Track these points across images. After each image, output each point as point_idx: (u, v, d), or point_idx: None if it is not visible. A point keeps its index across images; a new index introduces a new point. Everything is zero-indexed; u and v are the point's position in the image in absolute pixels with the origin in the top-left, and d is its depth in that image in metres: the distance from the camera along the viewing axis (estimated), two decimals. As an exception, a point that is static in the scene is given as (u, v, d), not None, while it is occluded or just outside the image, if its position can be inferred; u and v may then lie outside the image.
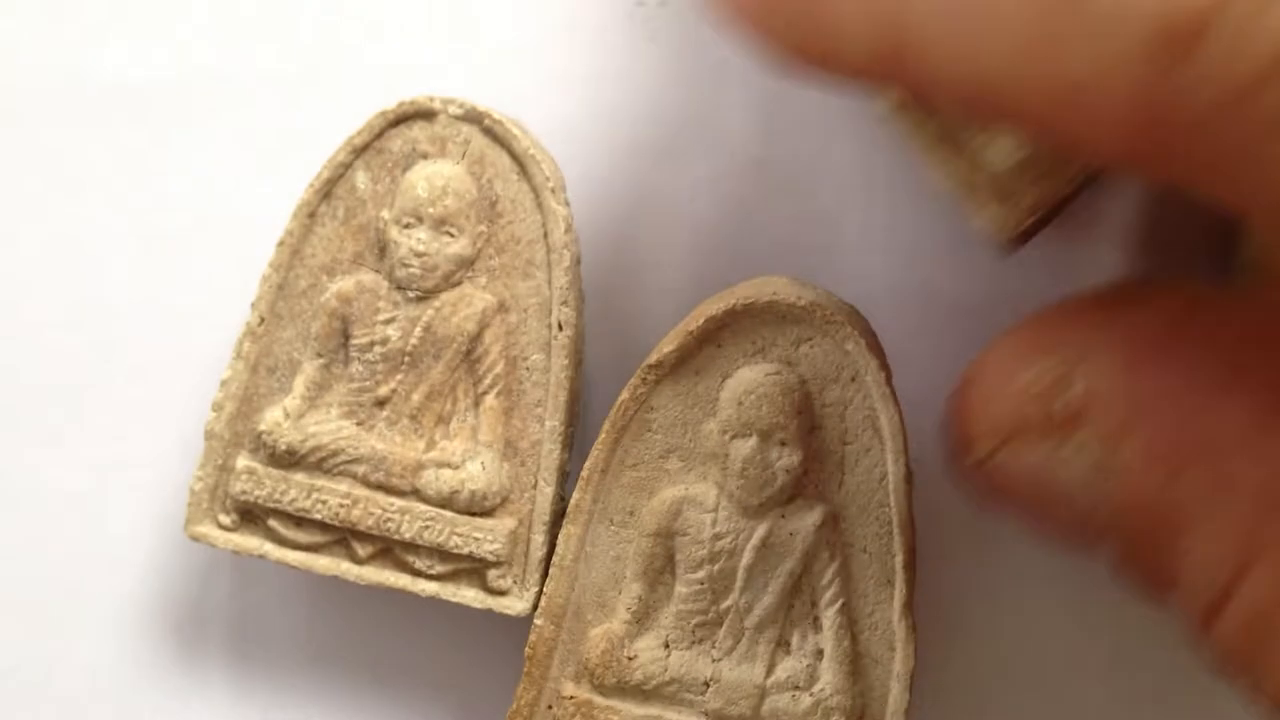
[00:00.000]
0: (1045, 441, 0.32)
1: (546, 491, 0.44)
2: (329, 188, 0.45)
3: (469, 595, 0.45)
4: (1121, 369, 0.31)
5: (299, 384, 0.45)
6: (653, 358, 0.43)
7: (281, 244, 0.45)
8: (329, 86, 0.49)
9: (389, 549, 0.45)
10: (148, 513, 0.48)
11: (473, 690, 0.48)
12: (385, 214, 0.45)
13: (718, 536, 0.43)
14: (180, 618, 0.49)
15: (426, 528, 0.44)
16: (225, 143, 0.49)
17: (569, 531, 0.44)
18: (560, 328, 0.44)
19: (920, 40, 0.27)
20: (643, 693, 0.43)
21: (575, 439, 0.46)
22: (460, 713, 0.48)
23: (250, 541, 0.45)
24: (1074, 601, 0.46)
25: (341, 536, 0.45)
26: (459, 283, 0.45)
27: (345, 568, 0.45)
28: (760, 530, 0.43)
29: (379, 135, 0.45)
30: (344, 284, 0.45)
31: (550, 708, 0.43)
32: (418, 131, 0.45)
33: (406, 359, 0.45)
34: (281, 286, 0.45)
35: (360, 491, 0.45)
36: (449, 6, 0.48)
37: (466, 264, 0.45)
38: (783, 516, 0.43)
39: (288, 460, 0.45)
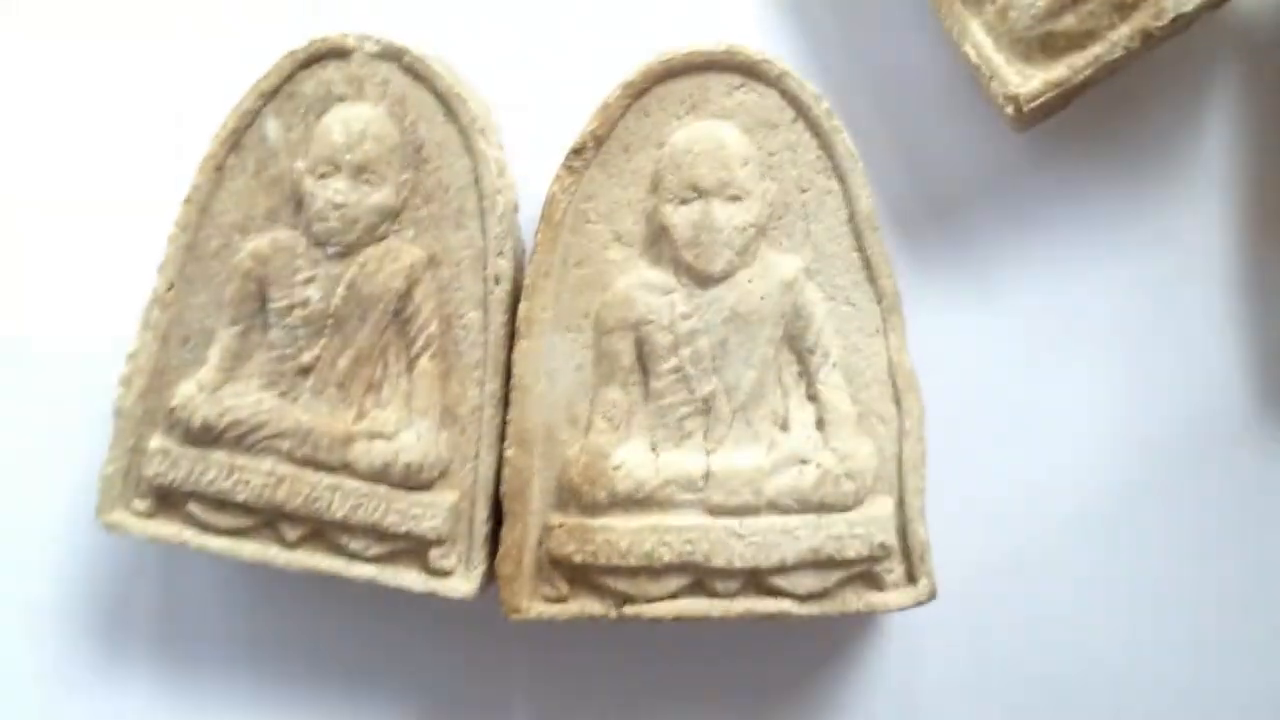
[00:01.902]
0: None
1: (489, 461, 0.41)
2: (236, 138, 0.41)
3: (409, 578, 0.41)
4: None
5: (214, 354, 0.41)
6: (575, 143, 0.40)
7: (188, 201, 0.41)
8: (248, 28, 0.45)
9: (320, 530, 0.41)
10: (59, 502, 0.44)
11: (421, 680, 0.44)
12: (300, 164, 0.41)
13: (683, 316, 0.39)
14: (100, 616, 0.45)
15: (359, 505, 0.41)
16: (144, 96, 0.45)
17: (523, 348, 0.40)
18: (497, 281, 0.41)
19: None
20: (635, 502, 0.39)
21: (519, 403, 0.42)
22: (408, 705, 0.44)
23: (168, 528, 0.41)
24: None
25: (268, 519, 0.41)
26: (384, 236, 0.41)
27: (273, 553, 0.41)
28: (728, 300, 0.39)
29: (289, 78, 0.41)
30: (258, 242, 0.41)
31: (540, 543, 0.40)
32: (332, 72, 0.41)
33: (330, 321, 0.41)
34: (190, 248, 0.41)
35: (285, 469, 0.41)
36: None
37: (391, 215, 0.41)
38: (749, 281, 0.39)
39: (204, 437, 0.41)
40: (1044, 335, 0.43)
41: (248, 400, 0.41)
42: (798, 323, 0.40)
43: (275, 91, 0.41)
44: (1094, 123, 0.43)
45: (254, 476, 0.41)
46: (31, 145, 0.46)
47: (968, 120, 0.43)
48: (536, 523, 0.40)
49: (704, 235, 0.39)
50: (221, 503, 0.41)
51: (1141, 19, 0.39)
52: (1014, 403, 0.43)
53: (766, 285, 0.40)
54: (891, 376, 0.40)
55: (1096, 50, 0.40)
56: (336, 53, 0.41)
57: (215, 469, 0.41)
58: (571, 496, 0.40)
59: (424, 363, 0.41)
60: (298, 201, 0.41)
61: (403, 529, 0.41)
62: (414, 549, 0.41)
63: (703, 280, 0.39)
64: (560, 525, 0.40)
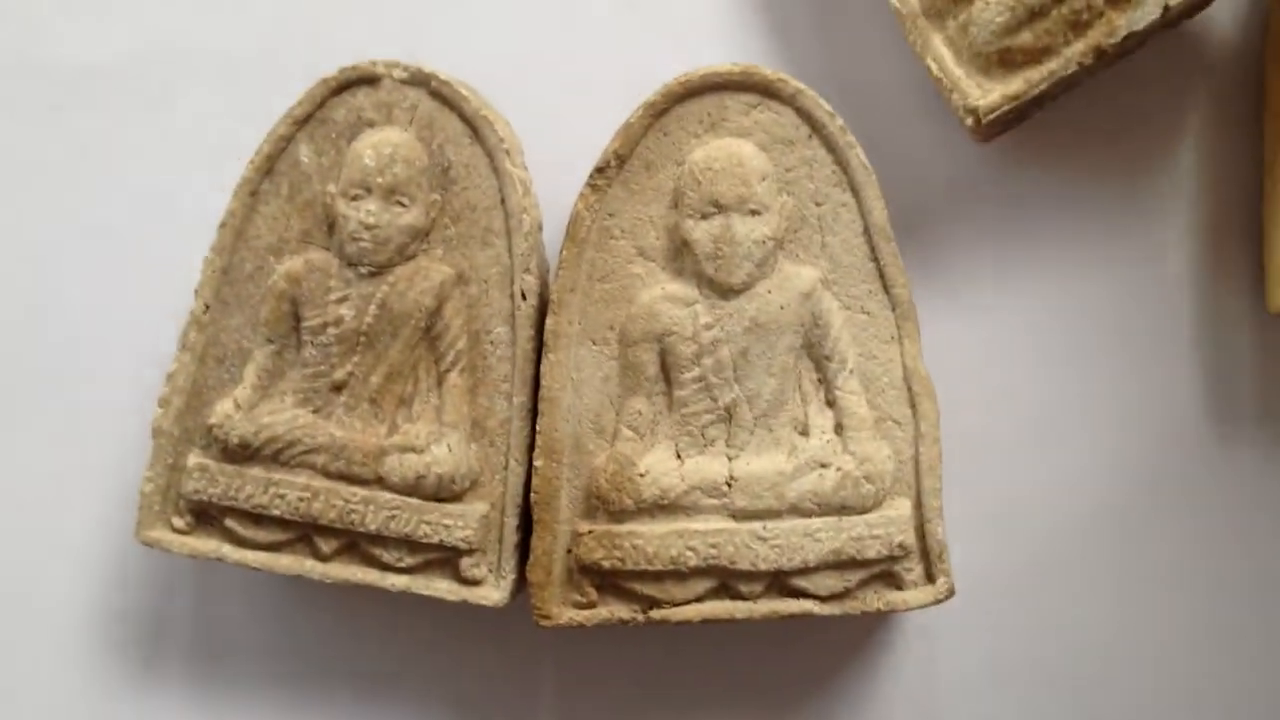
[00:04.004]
0: None
1: (519, 471, 0.42)
2: (270, 164, 0.43)
3: (442, 587, 0.42)
4: None
5: (250, 373, 0.42)
6: (599, 161, 0.41)
7: (224, 226, 0.43)
8: (285, 63, 0.46)
9: (354, 543, 0.42)
10: (99, 519, 0.46)
11: (452, 689, 0.45)
12: (332, 187, 0.42)
13: (706, 327, 0.41)
14: (137, 630, 0.46)
15: (393, 517, 0.42)
16: (180, 125, 0.47)
17: (551, 360, 0.41)
18: (524, 297, 0.42)
19: None
20: (661, 508, 0.40)
21: (546, 416, 0.44)
22: (439, 714, 0.45)
23: (207, 544, 0.42)
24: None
25: (303, 533, 0.42)
26: (414, 255, 0.42)
27: (309, 565, 0.42)
28: (748, 310, 0.41)
29: (321, 105, 0.42)
30: (292, 264, 0.42)
31: (570, 551, 0.41)
32: (362, 99, 0.42)
33: (362, 339, 0.42)
34: (226, 270, 0.43)
35: (320, 483, 0.42)
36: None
37: (420, 235, 0.42)
38: (768, 292, 0.41)
39: (241, 454, 0.42)
40: (1004, 342, 0.45)
41: (283, 417, 0.42)
42: (815, 331, 0.41)
43: (308, 118, 0.42)
44: (1055, 136, 0.45)
45: (290, 491, 0.42)
46: (72, 171, 0.47)
47: (933, 131, 0.45)
48: (565, 531, 0.41)
49: (724, 248, 0.40)
50: (258, 518, 0.42)
51: (1095, 36, 0.41)
52: (982, 409, 0.45)
53: (785, 296, 0.41)
54: (907, 381, 0.41)
55: (1052, 66, 0.41)
56: (367, 80, 0.42)
57: (252, 485, 0.42)
58: (599, 504, 0.41)
59: (454, 377, 0.42)
60: (330, 224, 0.42)
61: (435, 539, 0.42)
62: (446, 559, 0.42)
63: (724, 292, 0.41)
64: (589, 532, 0.41)
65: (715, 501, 0.41)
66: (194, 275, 0.43)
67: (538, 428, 0.41)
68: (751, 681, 0.45)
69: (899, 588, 0.41)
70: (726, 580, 0.40)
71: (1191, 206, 0.45)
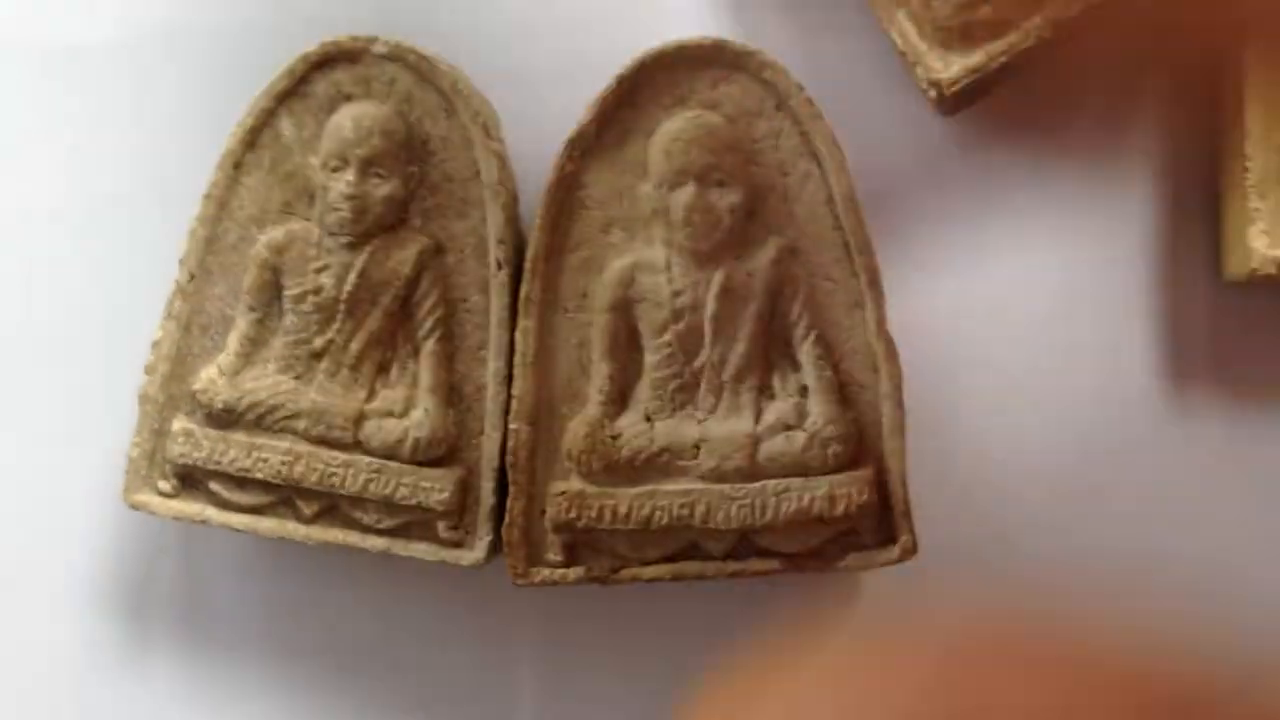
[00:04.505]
0: None
1: (494, 437, 0.43)
2: (253, 136, 0.44)
3: (420, 549, 0.43)
4: None
5: (233, 340, 0.44)
6: (571, 132, 0.42)
7: (208, 197, 0.44)
8: (270, 40, 0.47)
9: (335, 505, 0.43)
10: (88, 483, 0.47)
11: (430, 649, 0.46)
12: (313, 159, 0.43)
13: (676, 294, 0.42)
14: (125, 594, 0.47)
15: (372, 480, 0.43)
16: (165, 99, 0.48)
17: (525, 326, 0.42)
18: (499, 266, 0.43)
19: None
20: (633, 469, 0.42)
21: (522, 382, 0.45)
22: (421, 675, 0.46)
23: (192, 507, 0.44)
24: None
25: (286, 495, 0.43)
26: (393, 225, 0.43)
27: (291, 528, 0.43)
28: (718, 277, 0.42)
29: (302, 79, 0.44)
30: (274, 234, 0.44)
31: (543, 512, 0.42)
32: (341, 73, 0.44)
33: (342, 307, 0.43)
34: (210, 240, 0.44)
35: (302, 447, 0.43)
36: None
37: (399, 205, 0.43)
38: (737, 259, 0.42)
39: (225, 419, 0.43)
40: (968, 311, 0.46)
41: (265, 383, 0.43)
42: (782, 298, 0.42)
43: (289, 92, 0.44)
44: (1023, 109, 0.46)
45: (272, 455, 0.43)
46: (54, 149, 0.48)
47: (900, 105, 0.46)
48: (540, 493, 0.42)
49: (695, 216, 0.41)
50: (242, 481, 0.43)
51: (1054, 8, 0.42)
52: (946, 377, 0.45)
53: (754, 263, 0.42)
54: (871, 346, 0.42)
55: (1012, 39, 0.42)
56: (346, 55, 0.43)
57: (236, 449, 0.43)
58: (573, 465, 0.42)
59: (431, 344, 0.43)
60: (311, 195, 0.44)
61: (413, 501, 0.43)
62: (424, 521, 0.43)
63: (694, 259, 0.42)
64: (562, 493, 0.42)
65: (686, 463, 0.42)
66: (176, 244, 0.44)
67: (513, 392, 0.42)
68: (721, 638, 0.46)
69: (863, 547, 0.42)
70: (696, 539, 0.42)
71: (1154, 176, 0.46)
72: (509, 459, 0.42)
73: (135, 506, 0.44)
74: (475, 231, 0.43)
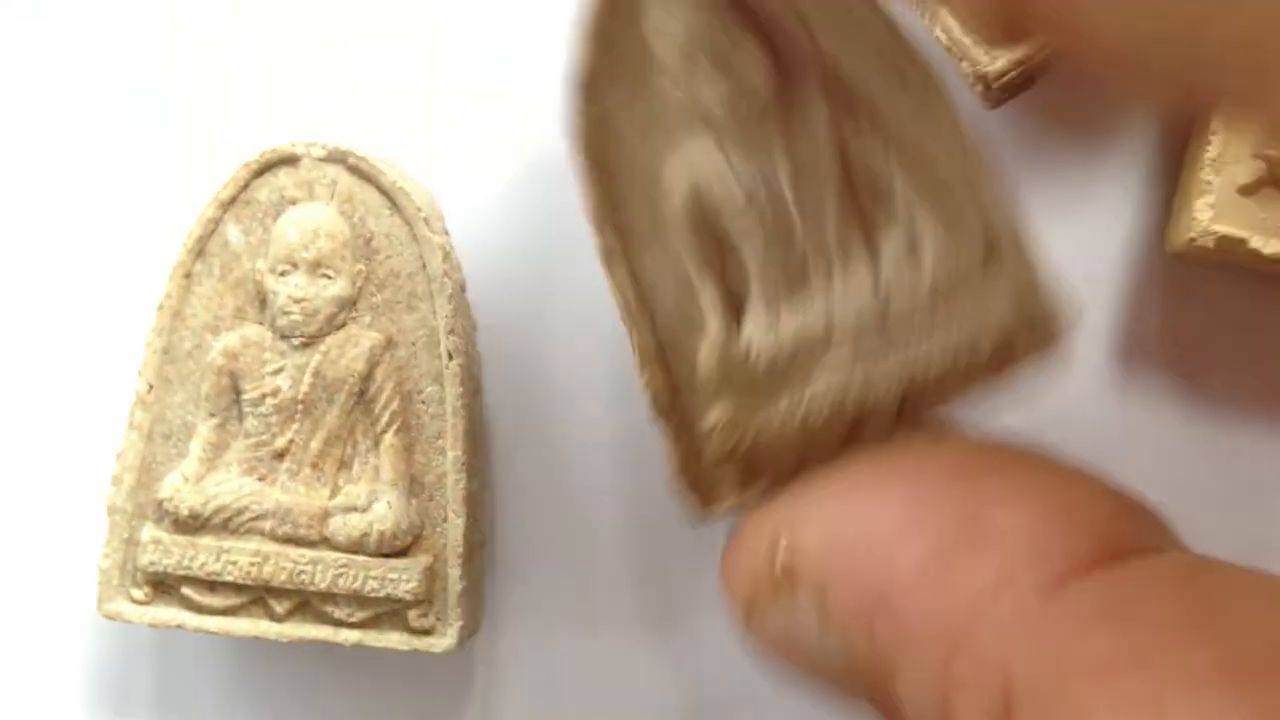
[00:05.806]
0: (778, 602, 0.31)
1: (458, 523, 0.44)
2: (201, 245, 0.45)
3: (393, 639, 0.44)
4: (818, 522, 0.30)
5: (195, 446, 0.44)
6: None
7: (161, 308, 0.45)
8: (205, 138, 0.48)
9: (306, 602, 0.44)
10: (58, 595, 0.47)
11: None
12: (260, 264, 0.44)
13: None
14: (101, 697, 0.48)
15: (340, 575, 0.44)
16: (112, 213, 0.49)
17: (616, 275, 0.37)
18: (450, 357, 0.44)
19: None
20: (773, 376, 0.36)
21: (482, 468, 0.46)
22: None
23: (166, 613, 0.44)
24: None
25: (258, 595, 0.44)
26: (343, 324, 0.44)
27: (265, 627, 0.44)
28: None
29: (245, 187, 0.44)
30: (228, 340, 0.44)
31: (700, 451, 0.37)
32: (283, 178, 0.44)
33: (300, 407, 0.44)
34: (166, 350, 0.45)
35: (270, 547, 0.44)
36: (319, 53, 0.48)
37: (348, 304, 0.44)
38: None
39: (192, 525, 0.44)
40: None
41: (229, 487, 0.44)
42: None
43: (233, 200, 0.44)
44: (1060, 99, 0.46)
45: (240, 556, 0.44)
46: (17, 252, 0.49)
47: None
48: (694, 433, 0.37)
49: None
50: (213, 584, 0.44)
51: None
52: None
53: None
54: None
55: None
56: (286, 160, 0.44)
57: (205, 553, 0.44)
58: (714, 391, 0.37)
59: (389, 438, 0.44)
60: (262, 299, 0.44)
61: (382, 593, 0.44)
62: (395, 611, 0.44)
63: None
64: (714, 427, 0.36)
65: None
66: (128, 353, 0.45)
67: (632, 343, 0.37)
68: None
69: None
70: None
71: (1148, 157, 0.46)
72: (651, 412, 0.37)
73: (110, 617, 0.44)
74: (425, 324, 0.44)
